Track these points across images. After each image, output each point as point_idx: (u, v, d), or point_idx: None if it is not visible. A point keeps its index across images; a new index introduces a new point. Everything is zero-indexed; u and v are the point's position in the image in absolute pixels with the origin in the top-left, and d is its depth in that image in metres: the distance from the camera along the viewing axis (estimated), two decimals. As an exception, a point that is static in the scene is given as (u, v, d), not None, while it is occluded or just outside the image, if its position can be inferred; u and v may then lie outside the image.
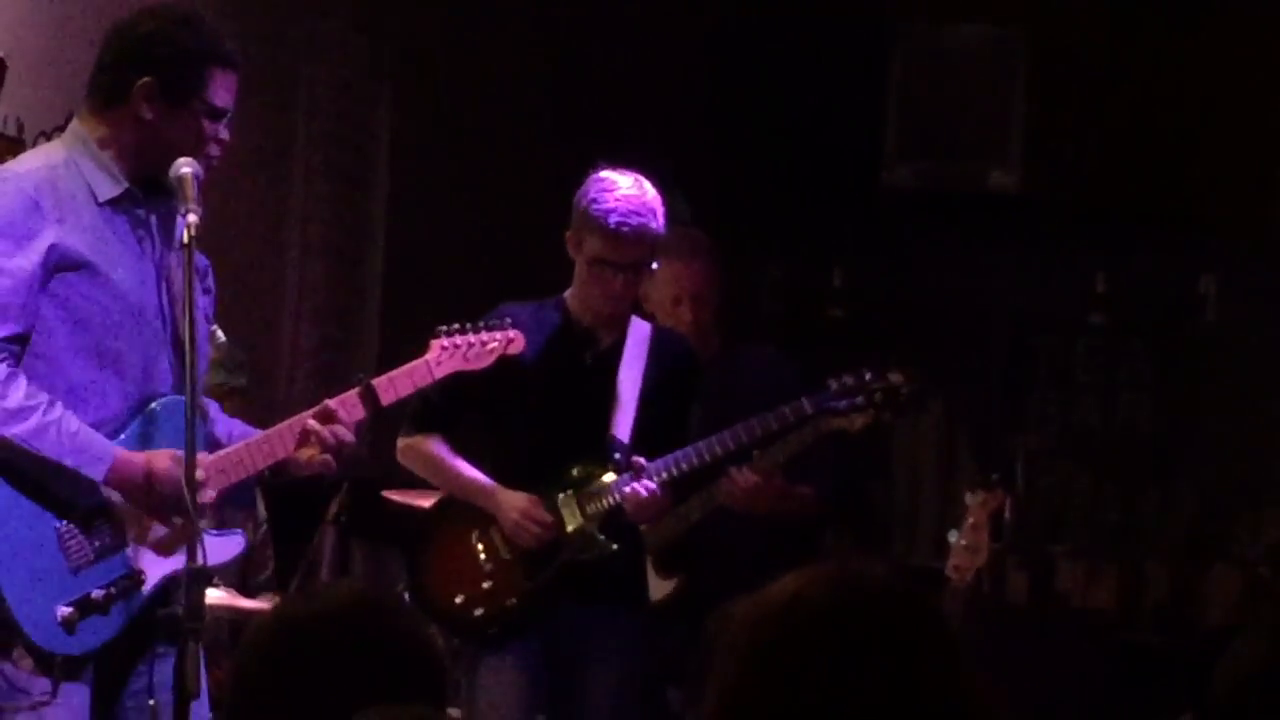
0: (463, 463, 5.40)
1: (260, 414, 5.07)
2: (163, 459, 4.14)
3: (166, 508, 4.17)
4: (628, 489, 5.26)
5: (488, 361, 4.78)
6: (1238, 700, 2.76)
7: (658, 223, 5.28)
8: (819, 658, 2.32)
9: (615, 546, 5.32)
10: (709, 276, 5.99)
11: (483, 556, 5.35)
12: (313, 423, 4.32)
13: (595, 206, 5.24)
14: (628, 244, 5.23)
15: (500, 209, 7.95)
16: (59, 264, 4.12)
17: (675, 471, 5.32)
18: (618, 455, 5.31)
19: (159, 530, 4.21)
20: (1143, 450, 9.04)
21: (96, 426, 4.14)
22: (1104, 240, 8.77)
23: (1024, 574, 8.92)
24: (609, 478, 5.30)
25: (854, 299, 9.14)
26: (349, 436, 4.36)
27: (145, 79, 4.20)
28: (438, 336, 4.70)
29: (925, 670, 2.33)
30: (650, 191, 5.30)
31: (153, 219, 4.26)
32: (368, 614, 2.59)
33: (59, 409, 4.08)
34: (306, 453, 4.33)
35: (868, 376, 5.55)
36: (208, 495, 4.17)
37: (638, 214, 5.24)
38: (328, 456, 4.33)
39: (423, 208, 8.06)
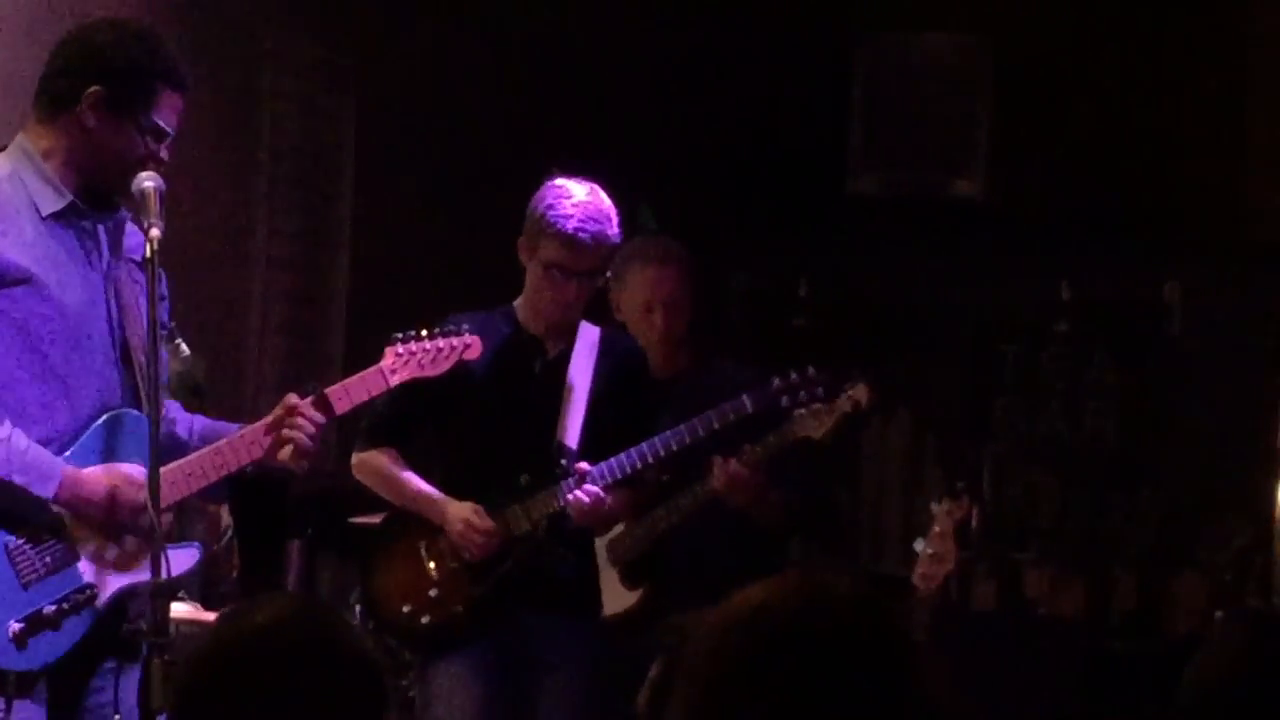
0: (411, 475, 5.39)
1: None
2: (123, 482, 4.13)
3: (123, 529, 4.15)
4: (571, 495, 5.25)
5: (444, 367, 4.73)
6: (1205, 706, 2.77)
7: (614, 230, 5.28)
8: (784, 668, 2.32)
9: (562, 552, 5.32)
10: (682, 284, 5.92)
11: (430, 566, 5.35)
12: (288, 432, 4.26)
13: (552, 212, 5.23)
14: (585, 250, 5.22)
15: (465, 221, 7.94)
16: (1, 279, 4.08)
17: (620, 475, 5.30)
18: (564, 461, 5.30)
19: (113, 546, 4.19)
20: (1109, 458, 9.05)
21: (45, 442, 4.12)
22: (1069, 248, 8.79)
23: (991, 582, 8.94)
24: (555, 485, 5.29)
25: (819, 308, 9.14)
26: (320, 422, 4.30)
27: (94, 87, 4.17)
28: (392, 343, 4.64)
29: (889, 681, 2.34)
30: (605, 200, 5.29)
31: (100, 230, 4.24)
32: (299, 632, 2.58)
33: (7, 427, 4.06)
34: (284, 453, 4.28)
35: (811, 372, 5.54)
36: (165, 520, 4.12)
37: (595, 220, 5.23)
38: (303, 461, 4.28)
39: (387, 221, 8.04)
